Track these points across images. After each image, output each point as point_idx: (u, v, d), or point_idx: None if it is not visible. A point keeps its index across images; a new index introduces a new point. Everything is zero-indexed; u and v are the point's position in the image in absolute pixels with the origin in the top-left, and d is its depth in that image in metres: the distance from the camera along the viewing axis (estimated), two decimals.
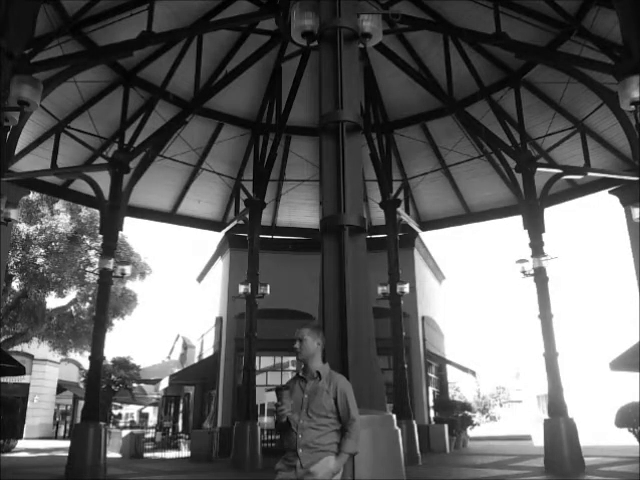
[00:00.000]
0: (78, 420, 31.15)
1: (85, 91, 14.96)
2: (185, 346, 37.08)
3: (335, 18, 6.68)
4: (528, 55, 13.91)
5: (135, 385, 42.26)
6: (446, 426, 20.93)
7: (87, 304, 26.76)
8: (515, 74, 15.76)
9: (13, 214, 12.99)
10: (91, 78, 14.48)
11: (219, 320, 23.47)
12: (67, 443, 13.71)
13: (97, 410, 13.08)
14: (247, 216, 18.07)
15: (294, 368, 21.72)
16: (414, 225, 20.43)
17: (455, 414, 23.59)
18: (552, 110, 15.95)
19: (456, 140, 17.76)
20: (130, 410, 58.40)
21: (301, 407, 3.96)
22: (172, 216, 20.19)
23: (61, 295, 25.62)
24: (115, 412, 48.45)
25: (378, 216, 20.31)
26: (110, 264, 14.25)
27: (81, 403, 31.87)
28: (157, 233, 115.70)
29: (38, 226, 23.69)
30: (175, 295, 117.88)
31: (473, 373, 27.83)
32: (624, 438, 18.87)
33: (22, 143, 14.35)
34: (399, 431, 5.68)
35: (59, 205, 24.21)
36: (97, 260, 19.91)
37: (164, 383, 28.08)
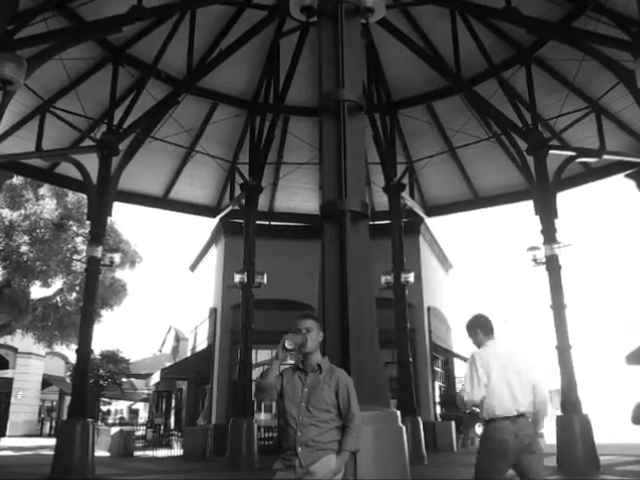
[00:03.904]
0: (64, 417, 31.24)
1: (72, 69, 14.86)
2: (177, 338, 37.17)
3: None
4: (540, 31, 13.84)
5: (125, 380, 42.44)
6: (453, 423, 21.01)
7: (74, 294, 26.70)
8: (526, 51, 15.64)
9: None
10: (78, 55, 14.35)
11: (213, 311, 23.53)
12: (53, 441, 13.77)
13: (85, 406, 13.13)
14: (243, 201, 18.08)
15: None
16: (419, 211, 20.39)
17: (463, 410, 23.66)
18: (565, 89, 15.85)
19: (464, 121, 17.63)
20: (119, 406, 58.69)
21: (300, 401, 3.98)
22: (164, 201, 20.16)
23: (46, 285, 25.65)
24: (104, 408, 48.69)
25: (381, 201, 20.19)
26: (98, 252, 14.23)
27: (67, 399, 31.98)
28: (148, 219, 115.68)
29: (22, 212, 23.68)
30: (167, 285, 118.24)
31: None
32: None
33: (5, 124, 14.25)
34: (403, 428, 5.72)
35: (44, 190, 24.18)
36: (84, 248, 19.91)
37: (155, 378, 28.18)
